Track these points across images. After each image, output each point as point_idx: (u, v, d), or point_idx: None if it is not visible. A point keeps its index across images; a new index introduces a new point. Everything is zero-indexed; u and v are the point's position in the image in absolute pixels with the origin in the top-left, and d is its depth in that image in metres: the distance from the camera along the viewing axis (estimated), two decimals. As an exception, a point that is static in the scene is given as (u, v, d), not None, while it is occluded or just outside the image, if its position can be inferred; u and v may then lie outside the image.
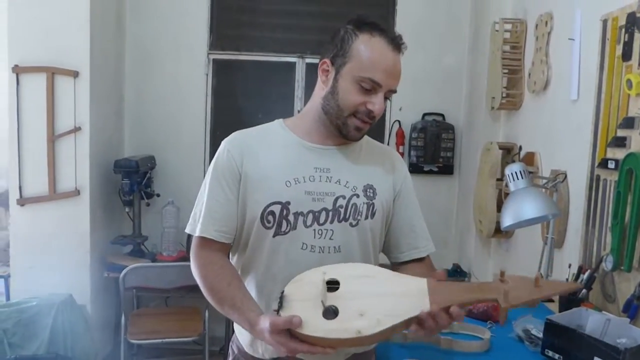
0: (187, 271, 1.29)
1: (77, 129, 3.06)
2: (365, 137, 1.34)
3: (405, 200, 1.38)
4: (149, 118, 3.68)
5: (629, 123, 1.75)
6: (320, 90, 1.28)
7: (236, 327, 1.34)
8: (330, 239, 1.24)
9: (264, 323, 1.09)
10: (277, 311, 1.07)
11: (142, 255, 3.34)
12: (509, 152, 2.87)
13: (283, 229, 1.24)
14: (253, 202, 1.25)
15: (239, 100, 3.78)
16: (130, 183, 3.26)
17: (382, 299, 1.04)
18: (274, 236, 1.24)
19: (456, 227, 3.83)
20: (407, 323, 1.03)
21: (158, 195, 3.49)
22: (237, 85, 3.80)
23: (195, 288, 1.29)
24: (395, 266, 1.39)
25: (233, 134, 1.34)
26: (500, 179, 2.81)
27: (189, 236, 3.32)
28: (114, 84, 3.50)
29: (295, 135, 1.31)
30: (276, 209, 1.23)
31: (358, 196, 1.27)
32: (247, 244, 1.28)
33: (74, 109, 3.05)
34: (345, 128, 1.25)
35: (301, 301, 1.06)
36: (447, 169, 3.74)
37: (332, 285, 1.08)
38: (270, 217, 1.23)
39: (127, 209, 3.39)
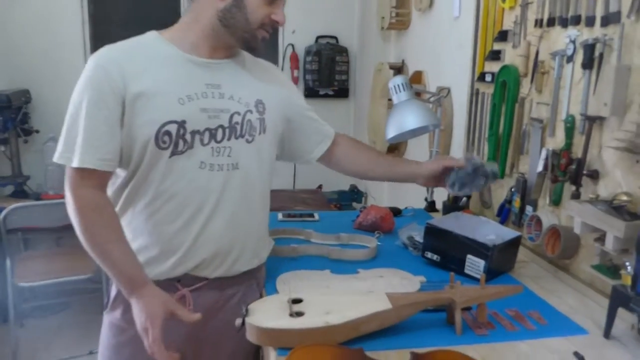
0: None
1: None
2: (244, 52, 1.31)
3: (298, 104, 1.43)
4: (18, 49, 3.35)
5: (503, 36, 1.82)
6: (215, 2, 1.20)
7: None
8: (228, 156, 1.23)
9: (155, 292, 1.15)
10: (242, 321, 1.05)
11: (25, 196, 3.14)
12: (399, 72, 2.92)
13: (180, 148, 1.18)
14: (144, 123, 1.16)
15: (119, 26, 3.51)
16: (4, 119, 3.01)
17: (346, 302, 1.10)
18: (170, 156, 1.18)
19: (353, 150, 3.91)
20: (371, 319, 1.06)
21: (37, 132, 3.25)
22: (117, 10, 3.52)
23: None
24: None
25: (103, 49, 1.21)
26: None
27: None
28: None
29: (179, 49, 1.23)
30: (172, 128, 1.17)
31: (252, 112, 1.27)
32: (139, 166, 1.20)
33: None
34: (254, 40, 1.23)
35: (265, 311, 1.07)
36: (342, 92, 3.77)
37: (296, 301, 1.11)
38: (166, 138, 1.17)
39: (2, 148, 3.12)
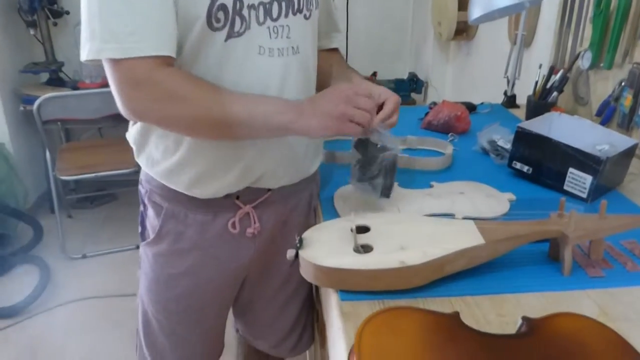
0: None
1: None
2: None
3: None
4: None
5: None
6: None
7: (160, 173, 1.02)
8: (287, 37, 0.96)
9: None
10: (296, 254, 0.84)
11: (62, 84, 2.96)
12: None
13: (237, 29, 0.91)
14: None
15: None
16: (30, -1, 2.74)
17: (424, 234, 0.87)
18: (226, 40, 0.91)
19: (412, 35, 3.51)
20: (458, 257, 0.82)
21: (67, 13, 2.98)
22: None
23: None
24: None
25: None
26: (463, -28, 2.45)
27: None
28: None
29: None
30: (228, 1, 0.89)
31: None
32: (180, 53, 0.91)
33: None
34: None
35: (324, 242, 0.86)
36: (402, -33, 3.30)
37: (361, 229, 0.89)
38: (221, 14, 0.89)
39: (32, 31, 2.90)
